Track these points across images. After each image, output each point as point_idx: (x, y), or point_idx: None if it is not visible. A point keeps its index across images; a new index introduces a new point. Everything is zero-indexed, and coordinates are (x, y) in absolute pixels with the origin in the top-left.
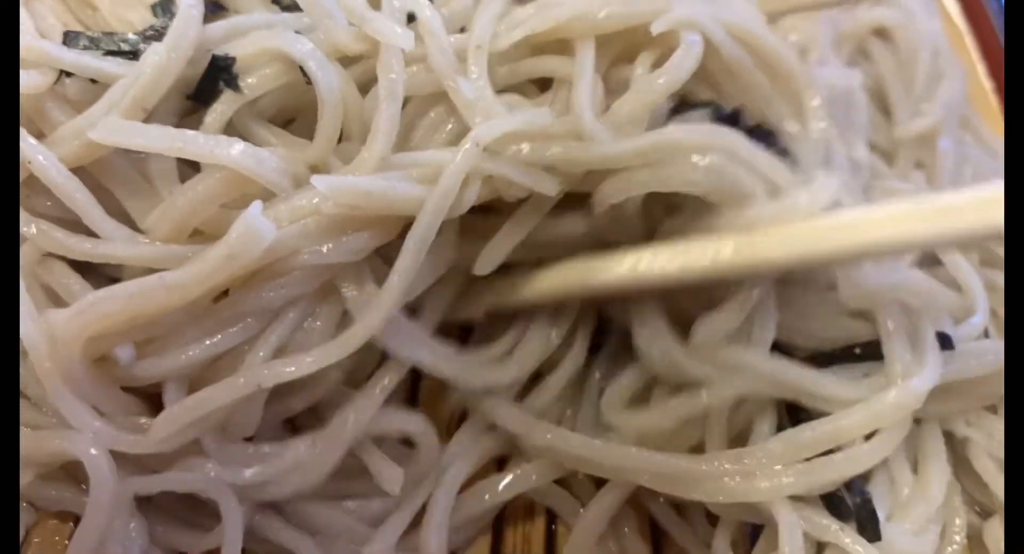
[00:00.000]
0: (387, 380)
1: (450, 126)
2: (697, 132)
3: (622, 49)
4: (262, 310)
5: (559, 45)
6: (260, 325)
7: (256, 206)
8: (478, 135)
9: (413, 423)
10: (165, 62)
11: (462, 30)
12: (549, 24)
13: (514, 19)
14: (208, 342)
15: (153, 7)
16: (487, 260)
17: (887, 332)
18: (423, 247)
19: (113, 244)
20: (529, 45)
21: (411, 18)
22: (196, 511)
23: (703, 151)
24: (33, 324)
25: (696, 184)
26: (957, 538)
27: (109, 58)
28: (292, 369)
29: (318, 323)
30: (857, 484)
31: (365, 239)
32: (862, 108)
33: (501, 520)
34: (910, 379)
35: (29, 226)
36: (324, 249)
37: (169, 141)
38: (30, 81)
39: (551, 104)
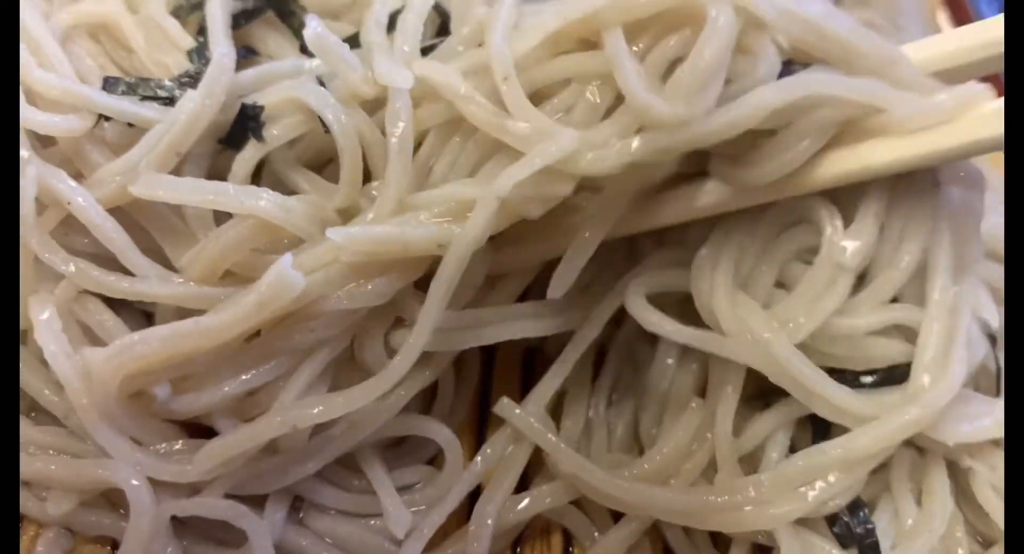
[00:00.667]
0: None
1: (469, 153)
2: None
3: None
4: (293, 350)
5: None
6: (293, 363)
7: (287, 258)
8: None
9: (440, 433)
10: (199, 109)
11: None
12: (574, 16)
13: (529, 24)
14: (243, 377)
15: (189, 52)
16: (560, 283)
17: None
18: (449, 289)
19: (148, 283)
20: (551, 47)
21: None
22: (226, 529)
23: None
24: (68, 361)
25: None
26: None
27: (146, 103)
28: (319, 410)
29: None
30: (862, 513)
31: (389, 282)
32: None
33: (519, 541)
34: (929, 393)
35: (68, 264)
36: (348, 294)
37: (202, 195)
38: (70, 124)
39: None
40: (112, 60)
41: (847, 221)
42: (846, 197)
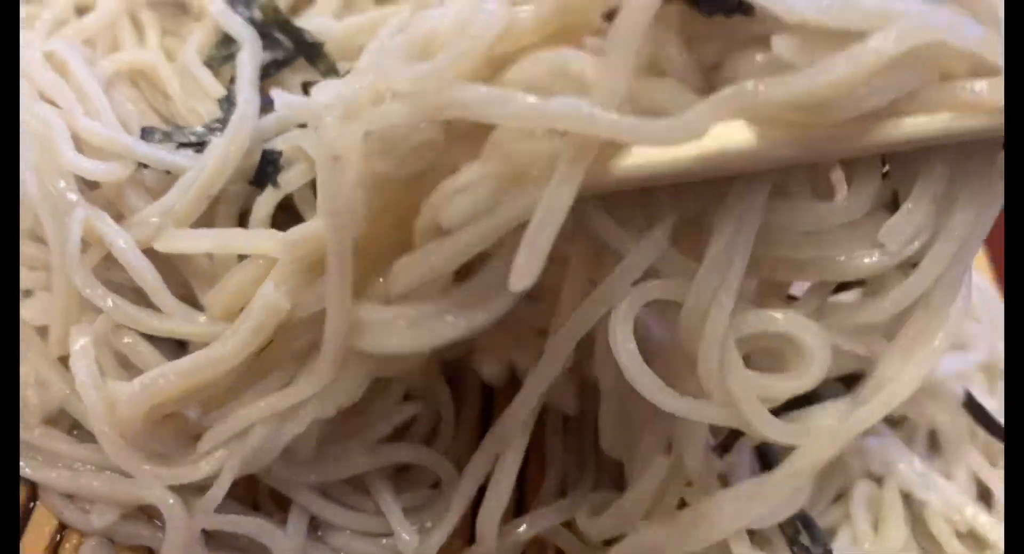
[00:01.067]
0: None
1: None
2: None
3: None
4: (293, 355)
5: None
6: (295, 366)
7: (268, 285)
8: None
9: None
10: (224, 155)
11: None
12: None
13: None
14: (258, 387)
15: (219, 101)
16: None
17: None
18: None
19: (175, 321)
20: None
21: None
22: (251, 540)
23: None
24: (94, 391)
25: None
26: None
27: (181, 151)
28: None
29: None
30: (821, 536)
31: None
32: None
33: None
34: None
35: (106, 300)
36: (304, 301)
37: (218, 241)
38: (113, 171)
39: None
40: (151, 105)
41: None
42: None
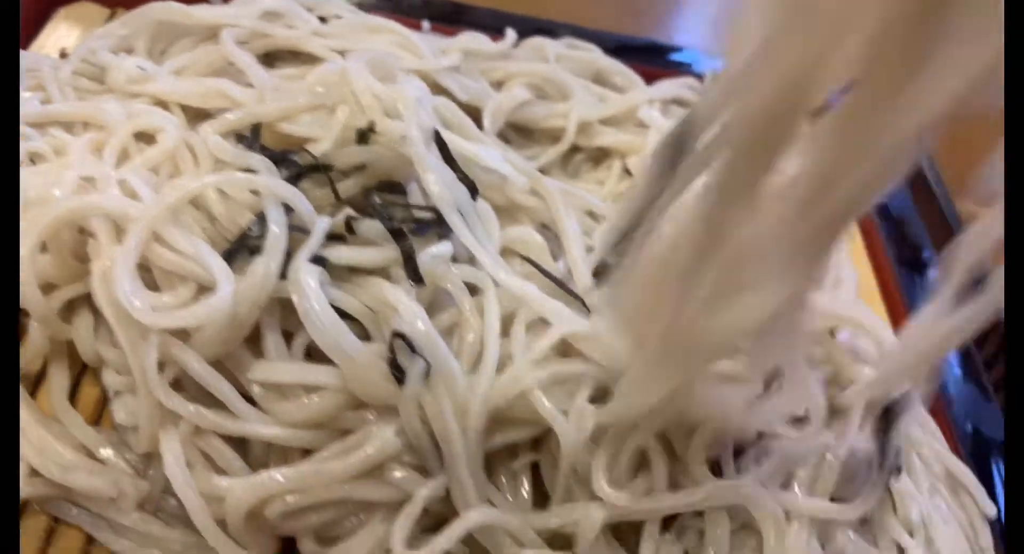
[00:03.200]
0: None
1: None
2: None
3: None
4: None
5: None
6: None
7: (389, 430)
8: None
9: None
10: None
11: None
12: None
13: None
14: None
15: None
16: None
17: None
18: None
19: (253, 425)
20: None
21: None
22: None
23: None
24: (191, 491)
25: None
26: None
27: None
28: None
29: None
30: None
31: None
32: None
33: None
34: None
35: (187, 408)
36: None
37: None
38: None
39: None
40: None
41: None
42: None
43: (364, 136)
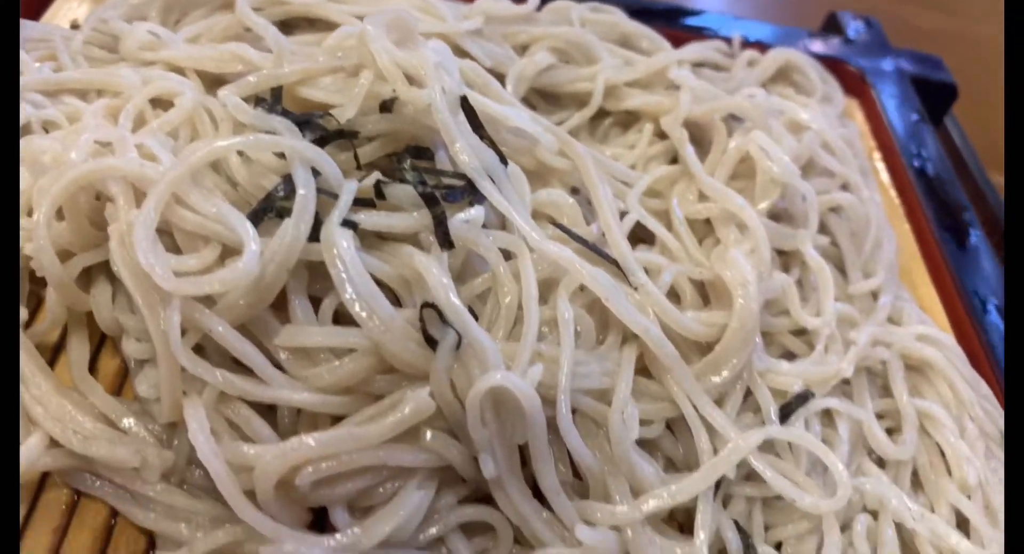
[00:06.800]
0: None
1: None
2: None
3: None
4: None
5: None
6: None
7: (424, 391)
8: None
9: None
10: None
11: None
12: None
13: None
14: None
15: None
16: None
17: None
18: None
19: (283, 391)
20: None
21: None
22: None
23: None
24: (216, 460)
25: None
26: None
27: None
28: None
29: None
30: None
31: None
32: None
33: None
34: None
35: (214, 374)
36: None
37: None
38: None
39: None
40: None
41: None
42: None
43: (387, 105)
